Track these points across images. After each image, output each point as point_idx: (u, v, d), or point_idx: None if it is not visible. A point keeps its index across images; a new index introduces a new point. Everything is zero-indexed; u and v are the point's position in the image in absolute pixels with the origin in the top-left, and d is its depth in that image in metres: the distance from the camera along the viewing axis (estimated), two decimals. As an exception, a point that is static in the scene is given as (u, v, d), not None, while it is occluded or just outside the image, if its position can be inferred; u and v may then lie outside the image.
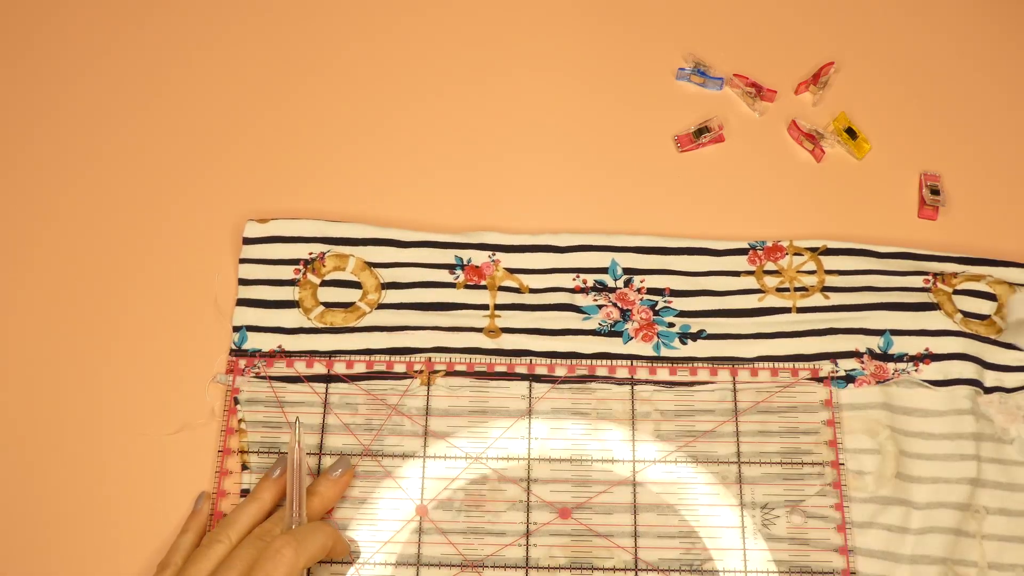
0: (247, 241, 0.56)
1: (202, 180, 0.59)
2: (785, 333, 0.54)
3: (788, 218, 0.58)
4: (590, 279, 0.55)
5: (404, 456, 0.51)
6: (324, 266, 0.55)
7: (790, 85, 0.62)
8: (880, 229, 0.57)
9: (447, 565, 0.49)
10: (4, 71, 0.62)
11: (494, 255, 0.56)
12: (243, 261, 0.55)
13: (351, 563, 0.48)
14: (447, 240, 0.56)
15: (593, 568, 0.49)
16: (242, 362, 0.53)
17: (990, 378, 0.52)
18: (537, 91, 0.61)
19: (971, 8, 0.64)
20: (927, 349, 0.53)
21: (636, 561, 0.49)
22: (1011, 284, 0.54)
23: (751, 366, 0.53)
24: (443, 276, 0.55)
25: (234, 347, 0.53)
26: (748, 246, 0.56)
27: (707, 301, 0.55)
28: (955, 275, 0.55)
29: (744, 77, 0.61)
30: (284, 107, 0.61)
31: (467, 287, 0.55)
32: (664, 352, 0.53)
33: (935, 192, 0.57)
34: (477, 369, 0.53)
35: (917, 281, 0.55)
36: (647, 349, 0.53)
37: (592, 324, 0.54)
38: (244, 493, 0.50)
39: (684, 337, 0.54)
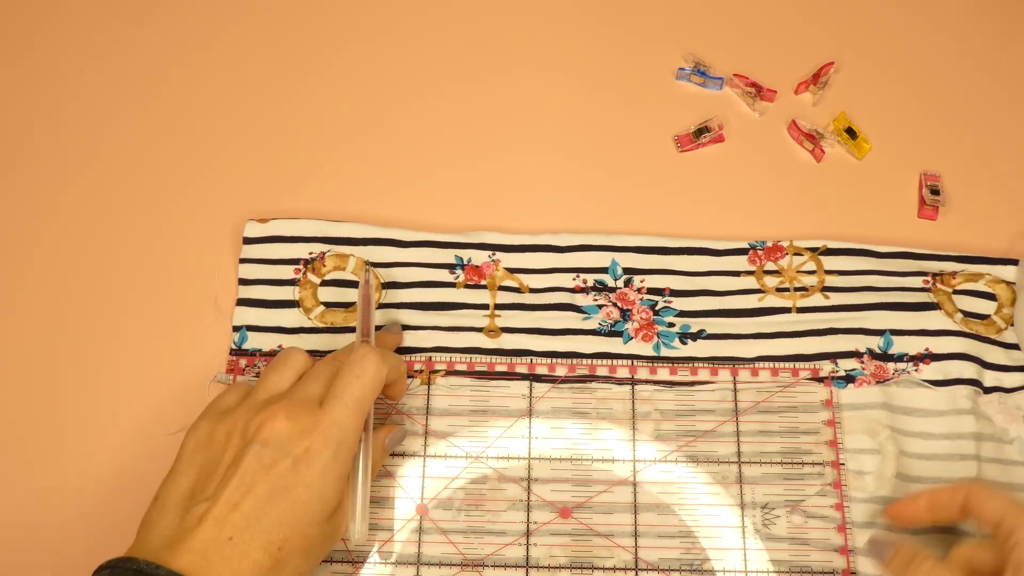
0: (247, 241, 0.56)
1: (202, 180, 0.59)
2: (785, 333, 0.54)
3: (788, 218, 0.58)
4: (590, 279, 0.55)
5: (404, 455, 0.51)
6: (324, 266, 0.55)
7: (790, 85, 0.62)
8: (880, 229, 0.57)
9: (447, 564, 0.49)
10: (4, 71, 0.62)
11: (494, 255, 0.56)
12: (243, 261, 0.55)
13: (351, 563, 0.48)
14: (447, 240, 0.56)
15: (593, 568, 0.49)
16: (242, 362, 0.53)
17: (990, 378, 0.52)
18: (537, 91, 0.61)
19: (971, 8, 0.64)
20: (927, 349, 0.53)
21: (636, 561, 0.49)
22: (1008, 283, 0.54)
23: (751, 366, 0.53)
24: (443, 276, 0.55)
25: (234, 347, 0.53)
26: (748, 246, 0.56)
27: (707, 301, 0.55)
28: (954, 275, 0.55)
29: (744, 77, 0.61)
30: (284, 107, 0.61)
31: (467, 287, 0.55)
32: (664, 352, 0.53)
33: (935, 192, 0.57)
34: (477, 369, 0.53)
35: (917, 281, 0.55)
36: (647, 349, 0.53)
37: (592, 324, 0.54)
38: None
39: (684, 337, 0.54)
